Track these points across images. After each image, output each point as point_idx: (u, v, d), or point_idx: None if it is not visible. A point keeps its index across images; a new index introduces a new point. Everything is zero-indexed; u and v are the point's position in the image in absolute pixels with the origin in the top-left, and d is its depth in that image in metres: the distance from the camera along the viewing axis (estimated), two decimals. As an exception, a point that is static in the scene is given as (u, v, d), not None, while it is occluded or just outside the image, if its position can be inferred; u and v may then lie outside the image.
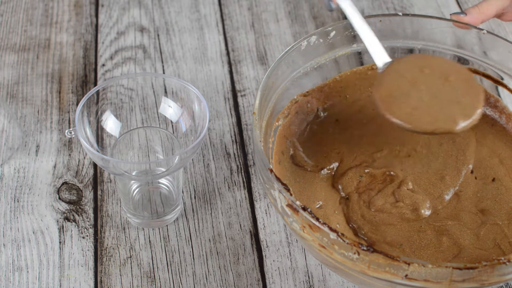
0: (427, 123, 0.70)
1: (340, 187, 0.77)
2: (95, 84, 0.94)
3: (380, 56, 0.75)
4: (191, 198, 0.83)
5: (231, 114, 0.91)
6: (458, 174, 0.78)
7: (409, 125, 0.70)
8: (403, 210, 0.75)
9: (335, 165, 0.79)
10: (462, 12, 0.80)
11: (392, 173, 0.78)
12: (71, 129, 0.74)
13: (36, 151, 0.86)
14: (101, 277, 0.76)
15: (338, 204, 0.76)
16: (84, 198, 0.82)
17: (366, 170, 0.78)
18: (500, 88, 0.83)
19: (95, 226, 0.80)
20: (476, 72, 0.83)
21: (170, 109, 0.79)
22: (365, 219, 0.75)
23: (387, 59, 0.75)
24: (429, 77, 0.72)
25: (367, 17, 0.82)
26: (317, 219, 0.64)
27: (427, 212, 0.75)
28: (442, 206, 0.76)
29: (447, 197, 0.77)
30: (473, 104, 0.71)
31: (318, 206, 0.76)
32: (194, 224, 0.80)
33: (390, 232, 0.74)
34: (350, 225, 0.75)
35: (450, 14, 0.81)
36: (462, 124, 0.69)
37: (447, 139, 0.81)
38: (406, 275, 0.63)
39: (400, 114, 0.70)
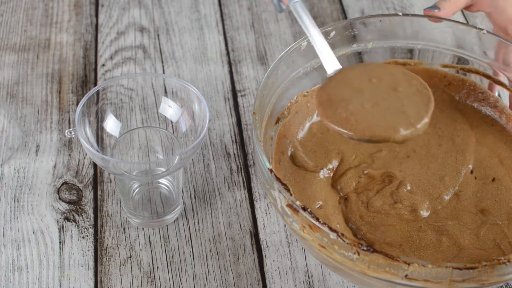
0: (363, 129, 0.67)
1: (339, 187, 0.77)
2: (95, 84, 0.94)
3: (330, 63, 0.73)
4: (191, 198, 0.83)
5: (231, 114, 0.91)
6: (458, 174, 0.78)
7: (344, 130, 0.68)
8: (402, 211, 0.75)
9: (334, 165, 0.79)
10: (435, 6, 0.80)
11: (390, 174, 0.78)
12: (71, 129, 0.74)
13: (36, 151, 0.86)
14: (101, 277, 0.76)
15: (337, 204, 0.76)
16: (84, 198, 0.82)
17: (365, 171, 0.78)
18: (500, 88, 0.83)
19: (95, 226, 0.80)
20: (476, 72, 0.83)
21: (170, 109, 0.79)
22: (363, 220, 0.75)
23: (338, 66, 0.73)
24: (377, 86, 0.71)
25: (367, 17, 0.82)
26: (317, 219, 0.64)
27: (425, 213, 0.75)
28: (442, 206, 0.76)
29: (447, 198, 0.77)
30: (419, 114, 0.69)
31: (318, 206, 0.76)
32: (194, 224, 0.80)
33: (389, 233, 0.74)
34: (349, 226, 0.75)
35: (424, 10, 0.81)
36: (403, 133, 0.67)
37: (446, 139, 0.81)
38: (406, 275, 0.63)
39: (336, 119, 0.69)
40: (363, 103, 0.69)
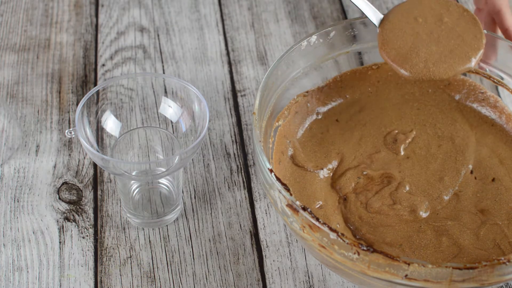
0: (445, 71, 0.73)
1: (338, 187, 0.77)
2: (95, 84, 0.94)
3: (374, 14, 0.78)
4: (191, 198, 0.83)
5: (231, 114, 0.91)
6: (457, 174, 0.78)
7: (427, 77, 0.72)
8: (401, 212, 0.75)
9: (334, 165, 0.79)
10: None
11: (389, 175, 0.78)
12: (71, 129, 0.74)
13: (36, 151, 0.86)
14: (101, 277, 0.76)
15: (337, 204, 0.76)
16: (84, 198, 0.82)
17: (364, 172, 0.78)
18: (500, 88, 0.83)
19: (95, 226, 0.80)
20: (476, 72, 0.83)
21: (170, 109, 0.79)
22: (362, 220, 0.75)
23: (380, 15, 0.77)
24: (426, 25, 0.74)
25: (367, 17, 0.82)
26: (317, 219, 0.64)
27: (424, 214, 0.75)
28: (442, 207, 0.76)
29: (446, 198, 0.77)
30: (476, 35, 0.73)
31: (318, 206, 0.76)
32: (194, 224, 0.80)
33: (388, 233, 0.74)
34: (349, 226, 0.75)
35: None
36: (476, 58, 0.73)
37: (446, 140, 0.81)
38: (406, 275, 0.63)
39: (416, 70, 0.73)
40: (428, 46, 0.73)
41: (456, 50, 0.73)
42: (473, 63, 0.74)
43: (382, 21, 0.77)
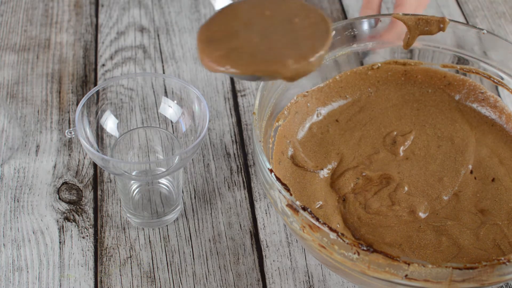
0: (246, 64, 0.61)
1: (337, 188, 0.77)
2: (95, 84, 0.94)
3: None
4: (191, 198, 0.83)
5: (231, 114, 0.91)
6: (457, 175, 0.78)
7: (222, 68, 0.61)
8: (400, 213, 0.75)
9: (334, 165, 0.79)
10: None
11: (388, 176, 0.78)
12: (71, 129, 0.74)
13: (36, 151, 0.86)
14: (101, 277, 0.76)
15: (337, 204, 0.76)
16: (84, 198, 0.82)
17: (363, 173, 0.78)
18: (500, 88, 0.83)
19: (95, 226, 0.80)
20: (476, 72, 0.83)
21: (170, 109, 0.79)
22: (361, 221, 0.75)
23: (228, 1, 0.67)
24: (270, 18, 0.64)
25: (367, 17, 0.82)
26: (317, 219, 0.64)
27: (424, 215, 0.75)
28: (441, 207, 0.76)
29: (446, 198, 0.77)
30: (313, 46, 0.62)
31: (318, 206, 0.76)
32: (194, 224, 0.80)
33: (388, 233, 0.74)
34: (348, 226, 0.75)
35: None
36: (293, 66, 0.60)
37: (445, 140, 0.81)
38: (406, 275, 0.63)
39: (214, 56, 0.61)
40: (250, 37, 0.62)
41: (277, 51, 0.61)
42: (283, 72, 0.61)
43: (227, 5, 0.65)
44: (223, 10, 0.65)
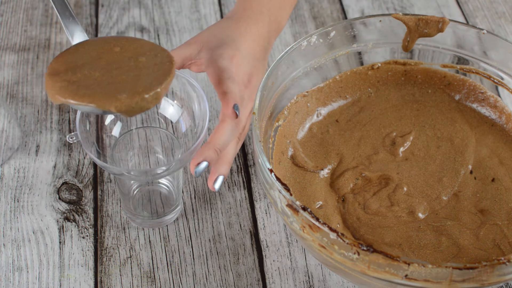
0: (83, 97, 0.63)
1: (336, 188, 0.77)
2: (95, 84, 0.94)
3: (78, 35, 0.70)
4: (191, 198, 0.83)
5: (231, 114, 0.91)
6: (456, 175, 0.78)
7: (62, 98, 0.63)
8: (399, 213, 0.75)
9: (334, 165, 0.79)
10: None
11: (387, 177, 0.78)
12: (72, 133, 0.73)
13: (36, 151, 0.86)
14: (101, 277, 0.76)
15: (337, 204, 0.76)
16: (84, 198, 0.82)
17: (362, 174, 0.78)
18: (500, 88, 0.83)
19: (95, 226, 0.80)
20: (476, 72, 0.83)
21: (170, 109, 0.79)
22: (360, 221, 0.75)
23: (84, 38, 0.70)
24: (118, 55, 0.67)
25: (367, 17, 0.82)
26: (317, 219, 0.64)
27: (423, 215, 0.75)
28: (441, 207, 0.76)
29: (445, 198, 0.77)
30: (151, 83, 0.64)
31: (318, 206, 0.76)
32: (194, 224, 0.80)
33: (387, 234, 0.74)
34: (347, 226, 0.75)
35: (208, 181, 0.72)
36: (126, 101, 0.63)
37: (445, 141, 0.81)
38: (406, 275, 0.63)
39: (55, 88, 0.64)
40: (92, 71, 0.65)
41: (115, 86, 0.64)
42: (116, 106, 0.62)
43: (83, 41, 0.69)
44: (77, 45, 0.68)
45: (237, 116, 0.68)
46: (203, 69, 0.74)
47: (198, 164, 0.68)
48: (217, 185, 0.70)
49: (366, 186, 0.77)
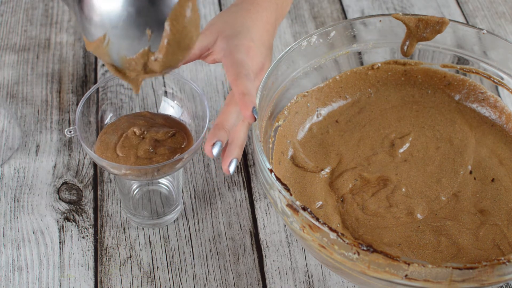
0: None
1: (335, 188, 0.77)
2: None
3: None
4: (191, 198, 0.83)
5: (231, 114, 0.91)
6: (456, 176, 0.78)
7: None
8: (397, 214, 0.75)
9: (334, 166, 0.79)
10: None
11: (386, 178, 0.78)
12: (70, 128, 0.73)
13: (36, 151, 0.86)
14: (101, 277, 0.76)
15: (336, 204, 0.76)
16: (84, 198, 0.82)
17: (361, 175, 0.78)
18: (500, 88, 0.83)
19: (95, 226, 0.80)
20: (476, 72, 0.83)
21: (170, 109, 0.79)
22: (359, 222, 0.75)
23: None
24: None
25: (367, 17, 0.82)
26: (317, 219, 0.64)
27: (421, 216, 0.75)
28: (440, 207, 0.76)
29: (444, 199, 0.77)
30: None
31: (318, 206, 0.76)
32: (194, 224, 0.80)
33: (386, 234, 0.74)
34: (347, 227, 0.75)
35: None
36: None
37: (444, 141, 0.81)
38: (406, 275, 0.63)
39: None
40: None
41: None
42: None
43: None
44: None
45: (255, 119, 0.68)
46: (218, 59, 0.75)
47: (213, 145, 0.68)
48: (231, 168, 0.70)
49: (365, 187, 0.77)
